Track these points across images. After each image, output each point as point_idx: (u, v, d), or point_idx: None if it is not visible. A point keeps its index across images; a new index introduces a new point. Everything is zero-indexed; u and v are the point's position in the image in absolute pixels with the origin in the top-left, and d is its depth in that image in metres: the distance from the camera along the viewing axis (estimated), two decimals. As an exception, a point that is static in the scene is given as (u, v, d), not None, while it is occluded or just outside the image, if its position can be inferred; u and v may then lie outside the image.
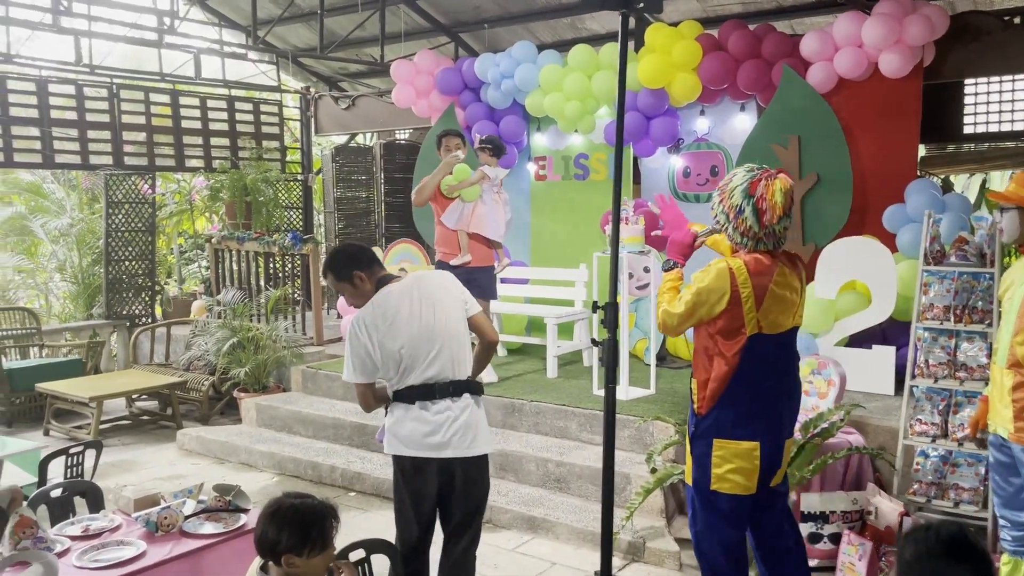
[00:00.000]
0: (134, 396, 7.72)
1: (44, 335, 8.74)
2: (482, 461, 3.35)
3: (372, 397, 3.33)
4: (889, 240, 5.79)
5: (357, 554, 3.02)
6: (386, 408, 3.37)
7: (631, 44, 7.77)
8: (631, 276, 6.41)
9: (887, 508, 4.00)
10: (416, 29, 9.73)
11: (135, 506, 3.58)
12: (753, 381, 2.99)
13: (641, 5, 2.80)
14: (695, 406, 3.08)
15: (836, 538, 4.13)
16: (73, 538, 3.31)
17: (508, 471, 5.33)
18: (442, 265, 6.16)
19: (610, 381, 2.73)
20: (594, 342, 2.81)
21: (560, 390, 5.96)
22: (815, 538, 4.16)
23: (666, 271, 3.21)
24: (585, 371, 6.44)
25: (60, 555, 3.13)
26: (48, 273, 10.92)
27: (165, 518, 3.39)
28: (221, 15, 10.29)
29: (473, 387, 3.31)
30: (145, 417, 7.79)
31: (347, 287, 3.30)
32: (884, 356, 5.55)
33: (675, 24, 6.95)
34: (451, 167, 5.92)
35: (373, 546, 3.14)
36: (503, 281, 7.56)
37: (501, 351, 7.36)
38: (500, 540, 4.71)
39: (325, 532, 2.42)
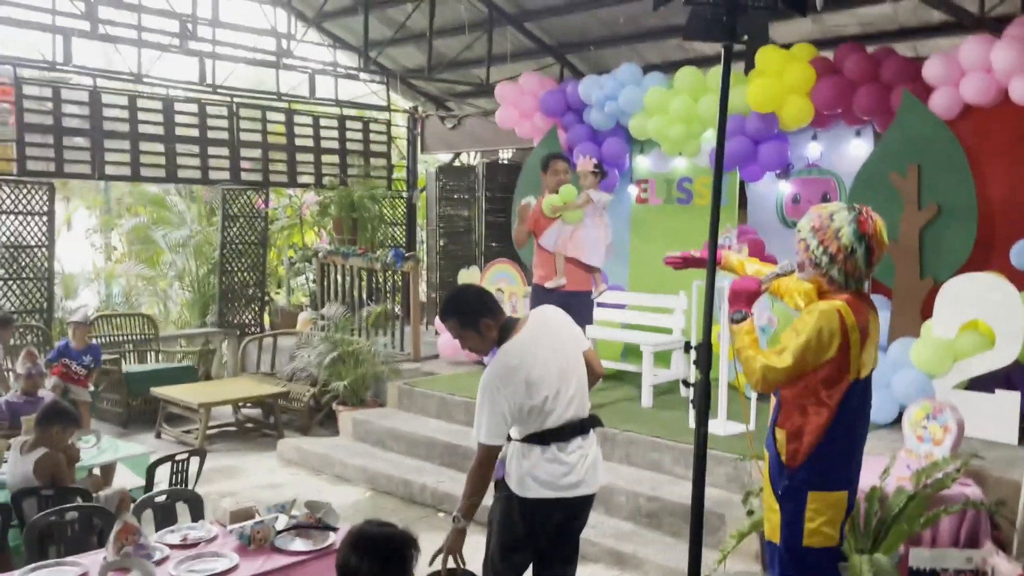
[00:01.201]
0: (240, 404, 8.01)
1: (160, 341, 9.21)
2: (593, 497, 3.33)
3: (494, 462, 3.15)
4: (1017, 277, 5.40)
5: None
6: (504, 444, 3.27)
7: (742, 66, 7.60)
8: (733, 305, 6.20)
9: (1006, 569, 3.70)
10: (523, 50, 9.79)
11: (231, 518, 3.68)
12: (849, 428, 2.88)
13: (746, 38, 2.69)
14: (783, 458, 2.92)
15: (948, 598, 3.85)
16: (172, 546, 3.42)
17: (598, 502, 5.13)
18: (537, 288, 6.13)
19: (702, 424, 2.62)
20: (685, 383, 2.70)
21: (654, 421, 5.82)
22: (924, 596, 3.89)
23: (737, 322, 3.00)
24: (682, 402, 6.27)
25: (159, 563, 3.24)
26: (168, 281, 11.51)
27: (258, 532, 3.47)
28: (335, 36, 10.64)
29: (596, 422, 3.27)
30: (250, 425, 8.07)
31: (472, 335, 3.19)
32: (1008, 402, 5.16)
33: (788, 46, 6.74)
34: (525, 216, 5.97)
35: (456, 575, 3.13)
36: (599, 305, 7.48)
37: (596, 376, 7.26)
38: (585, 573, 4.60)
39: (405, 564, 2.41)
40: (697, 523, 2.64)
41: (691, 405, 5.30)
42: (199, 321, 10.44)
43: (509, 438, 3.21)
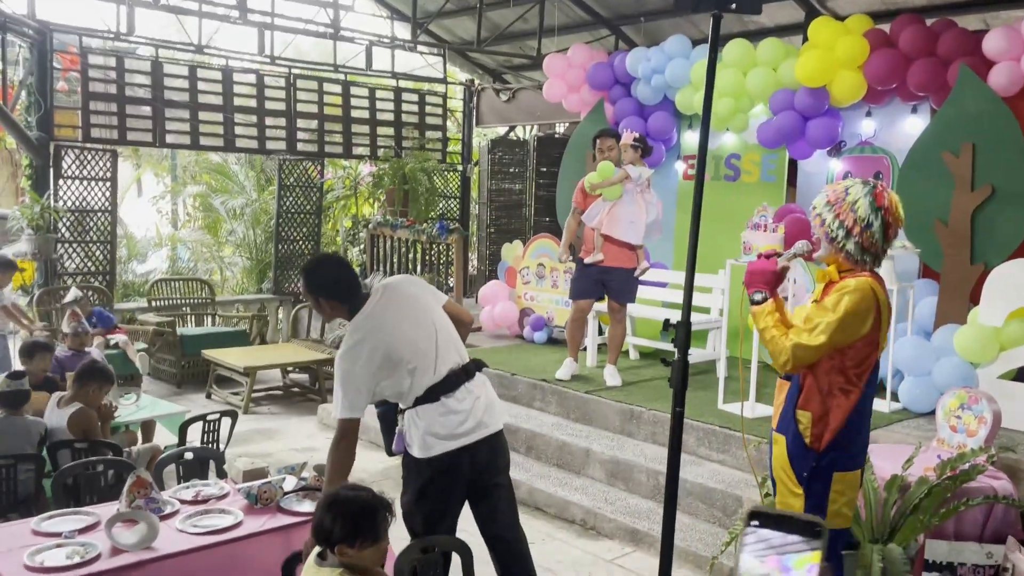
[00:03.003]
0: (289, 368, 8.22)
1: (217, 305, 9.51)
2: (503, 435, 3.37)
3: (356, 437, 3.20)
4: (1073, 264, 5.12)
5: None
6: (397, 416, 3.35)
7: (799, 38, 7.36)
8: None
9: (1026, 568, 3.55)
10: (577, 22, 9.66)
11: (243, 477, 3.81)
12: (868, 405, 2.87)
13: (734, 6, 2.59)
14: (807, 441, 2.84)
15: (964, 594, 3.72)
16: (184, 502, 3.56)
17: (618, 479, 5.21)
18: (578, 262, 6.13)
19: (678, 405, 2.58)
20: (664, 362, 2.65)
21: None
22: (940, 590, 3.77)
23: (757, 303, 2.92)
24: (715, 382, 6.17)
25: (169, 516, 3.38)
26: (233, 247, 11.85)
27: (264, 492, 3.57)
28: (391, 7, 10.68)
29: (479, 364, 3.35)
30: (296, 389, 8.29)
31: (315, 305, 3.33)
32: (1056, 394, 4.92)
33: (844, 18, 6.48)
34: (571, 233, 6.12)
35: (446, 544, 3.17)
36: (640, 283, 7.39)
37: (633, 354, 7.21)
38: (599, 549, 4.62)
39: (376, 526, 2.46)
40: (671, 503, 2.60)
41: (724, 376, 5.26)
42: (256, 287, 10.74)
43: (402, 412, 3.28)
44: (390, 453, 3.50)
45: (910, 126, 6.40)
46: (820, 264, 3.03)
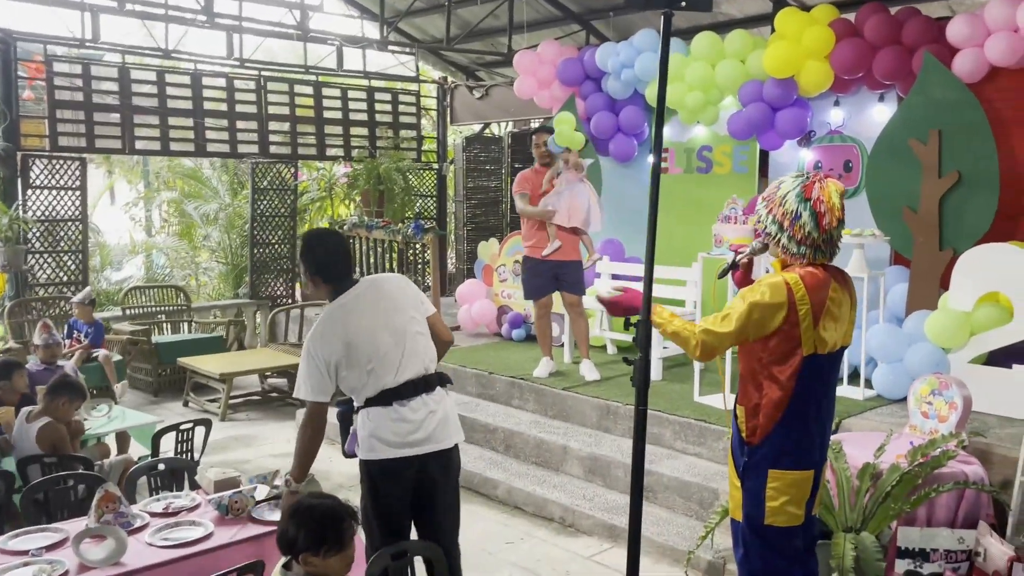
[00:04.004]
0: (266, 374, 8.17)
1: (194, 312, 9.43)
2: (456, 452, 3.34)
3: (323, 421, 3.22)
4: (1040, 248, 5.16)
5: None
6: (353, 416, 3.32)
7: (767, 30, 7.38)
8: (746, 277, 6.08)
9: (996, 551, 3.58)
10: (547, 17, 9.65)
11: (215, 487, 3.77)
12: (809, 405, 2.79)
13: (684, 4, 2.59)
14: (743, 435, 2.86)
15: (937, 579, 3.75)
16: (153, 514, 3.52)
17: (596, 475, 5.22)
18: (529, 260, 6.14)
19: (641, 403, 2.57)
20: (626, 360, 2.65)
21: (660, 394, 5.75)
22: (913, 577, 3.79)
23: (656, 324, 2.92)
24: (690, 375, 6.18)
25: (138, 530, 3.34)
26: (208, 253, 11.75)
27: (236, 502, 3.53)
28: (360, 6, 10.61)
29: (443, 379, 3.32)
30: (274, 394, 8.23)
31: (302, 270, 3.34)
32: (1025, 377, 4.97)
33: (811, 8, 6.50)
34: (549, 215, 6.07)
35: (415, 548, 3.16)
36: (616, 277, 7.41)
37: (610, 348, 7.22)
38: (577, 546, 4.62)
39: (341, 534, 2.45)
40: (637, 494, 2.59)
41: (700, 369, 5.27)
42: (233, 292, 10.67)
43: (357, 411, 3.27)
44: (344, 454, 3.47)
45: (878, 114, 6.43)
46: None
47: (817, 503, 2.97)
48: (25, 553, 3.13)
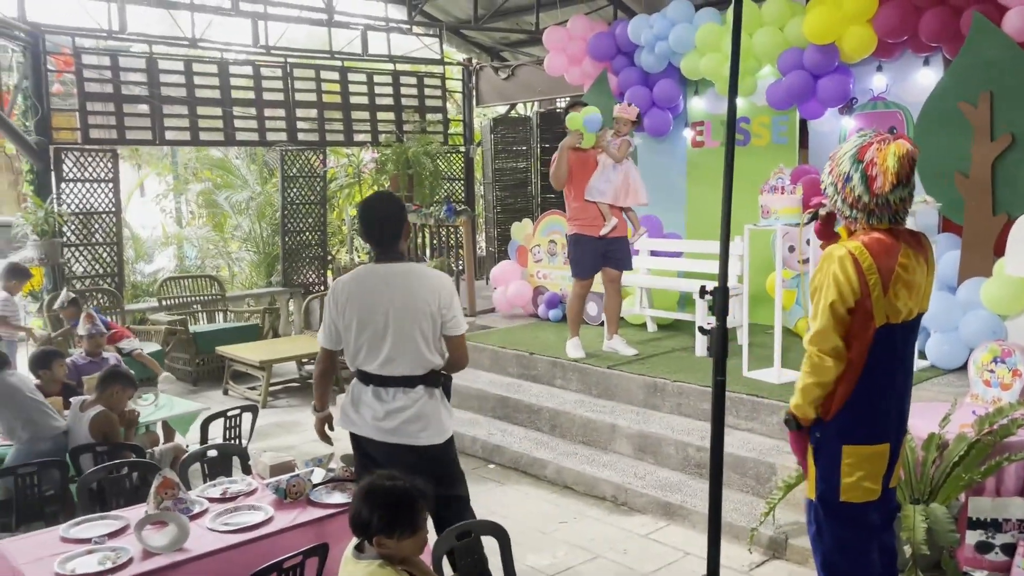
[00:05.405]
0: (303, 360, 8.15)
1: (228, 301, 9.45)
2: (434, 451, 3.23)
3: (328, 364, 3.39)
4: (1099, 210, 5.01)
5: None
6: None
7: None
8: (791, 250, 5.96)
9: (1074, 521, 3.47)
10: (574, -7, 9.52)
11: (271, 472, 3.75)
12: (883, 377, 2.66)
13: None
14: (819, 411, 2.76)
15: (1009, 549, 3.65)
16: (212, 500, 3.50)
17: (647, 453, 5.15)
18: (578, 238, 6.02)
19: (719, 374, 2.49)
20: (702, 330, 2.57)
21: (707, 370, 5.56)
22: (985, 547, 3.70)
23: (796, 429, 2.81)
24: (737, 350, 6.08)
25: (198, 516, 3.32)
26: (239, 243, 11.77)
27: (294, 486, 3.51)
28: (385, -10, 10.53)
29: (429, 379, 3.22)
30: (311, 380, 8.20)
31: None
32: (1088, 344, 4.81)
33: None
34: (575, 142, 5.91)
35: (482, 528, 3.11)
36: (654, 254, 7.31)
37: (651, 326, 7.13)
38: (632, 524, 4.56)
39: (414, 517, 2.40)
40: (716, 473, 2.53)
41: (748, 344, 5.21)
42: (265, 281, 10.68)
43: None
44: None
45: (923, 78, 6.26)
46: None
47: (895, 477, 2.87)
48: (88, 541, 3.11)
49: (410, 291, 3.17)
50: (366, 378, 3.24)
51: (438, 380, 3.25)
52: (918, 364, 5.32)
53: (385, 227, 3.24)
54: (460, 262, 9.09)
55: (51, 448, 4.35)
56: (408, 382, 3.18)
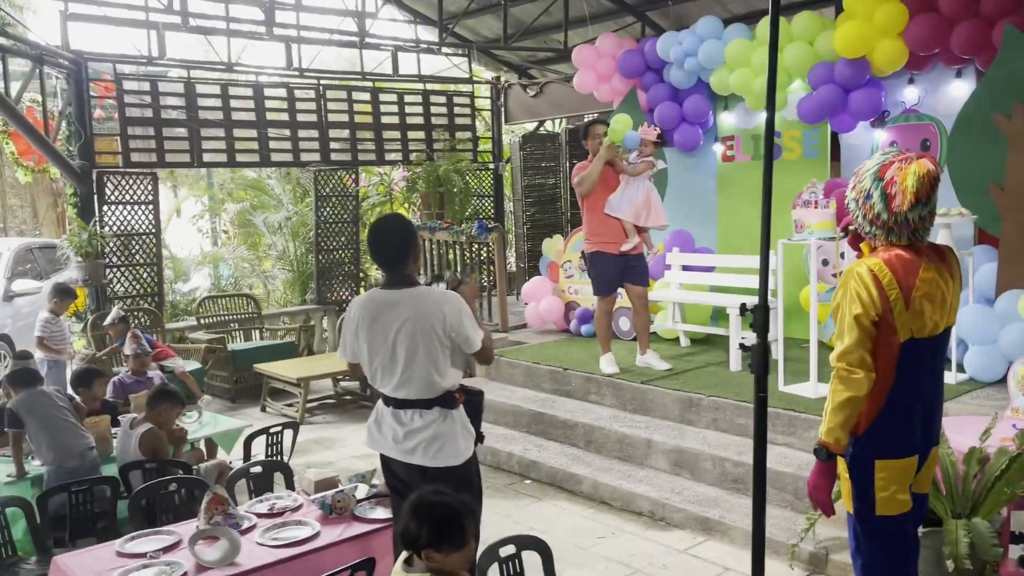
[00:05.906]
0: (339, 377, 8.26)
1: (264, 319, 9.61)
2: (448, 472, 3.19)
3: (358, 372, 3.41)
4: None
5: (507, 549, 3.05)
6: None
7: (831, 11, 7.25)
8: (825, 263, 5.97)
9: (1121, 536, 3.44)
10: (602, 11, 9.60)
11: (315, 488, 3.83)
12: (911, 391, 2.68)
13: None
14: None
15: (1055, 565, 3.62)
16: (260, 515, 3.59)
17: (683, 468, 5.16)
18: (598, 256, 6.08)
19: (760, 391, 2.53)
20: (742, 347, 2.60)
21: (742, 385, 5.67)
22: (1029, 563, 3.66)
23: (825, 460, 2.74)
24: (772, 365, 6.06)
25: (247, 531, 3.41)
26: (272, 261, 11.96)
27: (339, 501, 3.59)
28: (413, 11, 10.70)
29: (446, 401, 3.22)
30: (348, 397, 8.33)
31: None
32: None
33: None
34: (612, 154, 6.02)
35: (524, 543, 3.16)
36: (687, 269, 7.34)
37: (684, 341, 7.15)
38: (671, 540, 4.57)
39: (463, 531, 2.45)
40: (760, 489, 2.56)
41: (784, 359, 5.23)
42: (300, 299, 10.83)
43: None
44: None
45: (955, 90, 6.25)
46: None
47: (920, 483, 2.86)
48: (143, 556, 3.21)
49: (415, 317, 3.16)
50: (386, 399, 3.29)
51: (454, 402, 3.25)
52: (957, 377, 5.30)
53: (392, 250, 3.22)
54: (492, 278, 9.16)
55: (80, 465, 4.41)
56: (424, 404, 3.22)
